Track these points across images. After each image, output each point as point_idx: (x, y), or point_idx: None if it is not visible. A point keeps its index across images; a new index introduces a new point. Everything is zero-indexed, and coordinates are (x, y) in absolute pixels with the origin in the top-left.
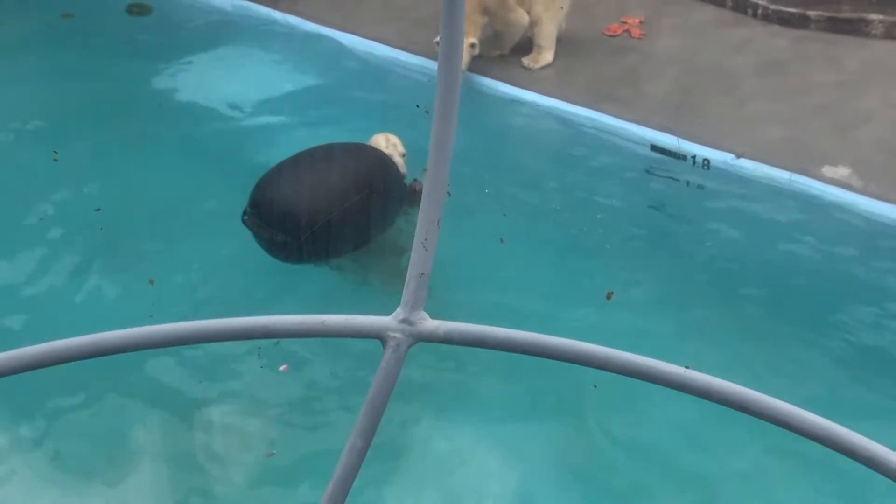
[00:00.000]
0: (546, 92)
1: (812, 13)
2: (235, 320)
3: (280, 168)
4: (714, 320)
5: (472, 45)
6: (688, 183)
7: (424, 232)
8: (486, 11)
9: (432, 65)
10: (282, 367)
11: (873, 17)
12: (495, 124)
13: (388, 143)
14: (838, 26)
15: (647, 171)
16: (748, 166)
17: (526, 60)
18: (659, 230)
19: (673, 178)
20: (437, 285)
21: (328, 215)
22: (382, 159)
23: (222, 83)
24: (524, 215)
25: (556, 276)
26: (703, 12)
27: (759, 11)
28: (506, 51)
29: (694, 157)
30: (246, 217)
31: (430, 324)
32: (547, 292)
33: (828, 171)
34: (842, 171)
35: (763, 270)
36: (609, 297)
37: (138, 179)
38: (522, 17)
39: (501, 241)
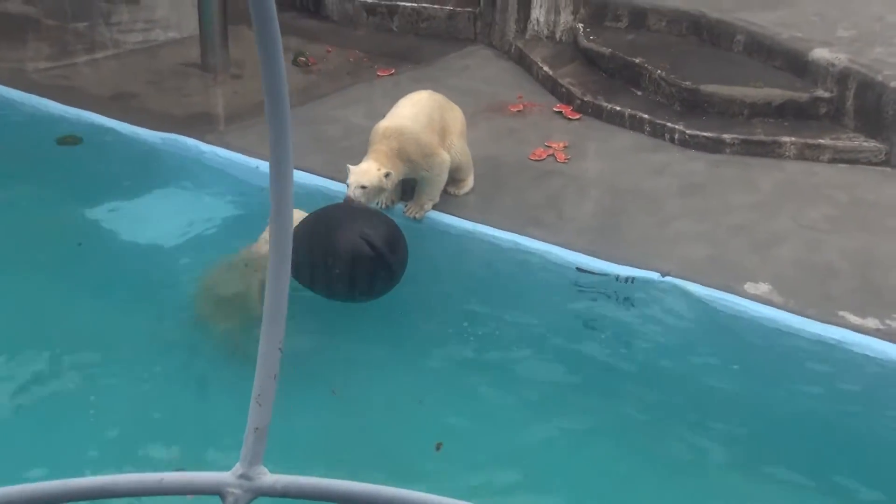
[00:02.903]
0: (472, 217)
1: (727, 136)
2: (71, 481)
3: (337, 219)
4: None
5: (387, 175)
6: (611, 298)
7: (259, 387)
8: (406, 160)
9: None
10: None
11: (785, 139)
12: (421, 250)
13: None
14: (752, 149)
15: (576, 289)
16: (673, 284)
17: (450, 189)
18: (579, 350)
19: (599, 297)
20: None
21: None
22: None
23: (148, 216)
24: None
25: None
26: (624, 138)
27: (676, 136)
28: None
29: (618, 276)
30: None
31: (268, 478)
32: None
33: (750, 287)
34: (763, 288)
35: (685, 389)
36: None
37: (54, 316)
38: (446, 158)
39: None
